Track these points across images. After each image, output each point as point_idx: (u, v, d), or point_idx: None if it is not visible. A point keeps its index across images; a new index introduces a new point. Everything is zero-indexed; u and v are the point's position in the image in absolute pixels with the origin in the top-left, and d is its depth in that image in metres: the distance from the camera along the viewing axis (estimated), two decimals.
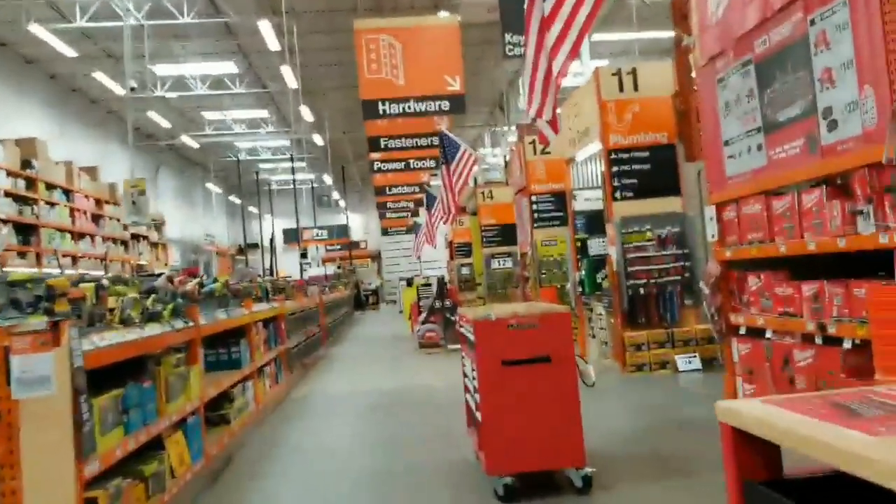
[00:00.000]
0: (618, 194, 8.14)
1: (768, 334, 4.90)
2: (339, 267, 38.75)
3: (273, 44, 16.49)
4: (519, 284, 14.81)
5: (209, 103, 24.95)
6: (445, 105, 12.00)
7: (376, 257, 46.34)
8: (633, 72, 8.07)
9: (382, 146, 14.88)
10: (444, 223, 14.46)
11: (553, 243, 12.08)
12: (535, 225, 12.14)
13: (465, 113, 12.35)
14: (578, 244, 9.87)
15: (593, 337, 9.36)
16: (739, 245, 5.19)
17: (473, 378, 4.90)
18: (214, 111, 26.17)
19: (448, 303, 11.87)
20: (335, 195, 42.35)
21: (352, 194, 43.28)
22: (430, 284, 16.18)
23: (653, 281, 8.02)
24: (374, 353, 13.33)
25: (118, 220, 20.40)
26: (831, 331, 4.18)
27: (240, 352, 6.82)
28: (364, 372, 11.15)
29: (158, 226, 26.51)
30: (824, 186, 4.23)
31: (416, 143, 15.02)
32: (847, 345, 4.05)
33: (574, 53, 5.75)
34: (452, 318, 11.96)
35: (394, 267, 41.91)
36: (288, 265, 38.86)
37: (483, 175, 31.21)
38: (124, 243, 21.93)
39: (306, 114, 24.27)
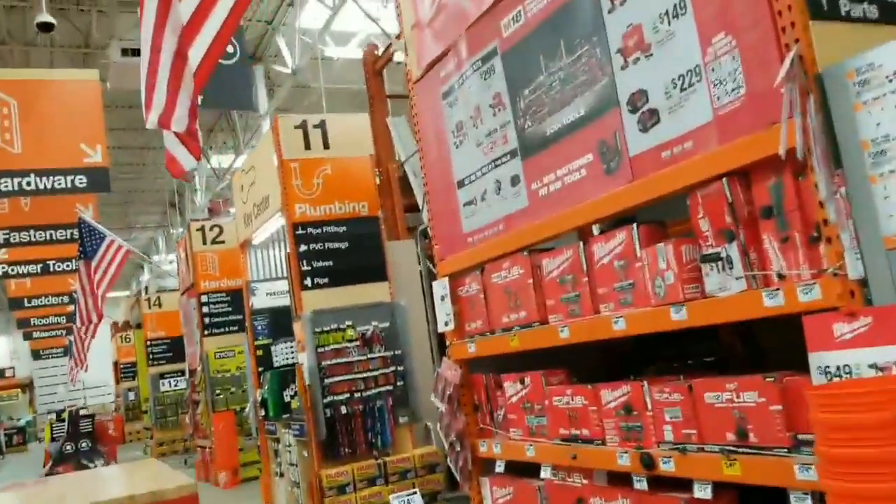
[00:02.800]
0: (308, 281, 6.15)
1: (545, 472, 3.11)
2: None
3: None
4: (188, 409, 11.95)
5: None
6: (82, 181, 9.20)
7: (28, 386, 38.79)
8: (322, 125, 6.33)
9: (2, 240, 11.36)
10: (86, 336, 11.21)
11: (230, 355, 9.67)
12: (206, 332, 9.64)
13: (109, 191, 9.63)
14: (260, 353, 7.63)
15: (281, 476, 7.04)
16: (489, 334, 3.42)
17: None
18: None
19: (85, 445, 8.70)
20: None
21: None
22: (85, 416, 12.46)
23: (357, 394, 6.04)
24: None
25: None
26: (666, 467, 2.46)
27: None
28: None
29: None
30: (634, 226, 2.60)
31: (53, 235, 11.73)
32: (702, 492, 2.35)
33: (220, 47, 3.79)
34: (92, 465, 8.79)
35: (50, 396, 35.20)
36: None
37: (154, 284, 27.48)
38: None
39: None
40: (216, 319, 9.75)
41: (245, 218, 7.42)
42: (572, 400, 2.92)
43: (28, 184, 8.94)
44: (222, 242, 9.76)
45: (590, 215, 2.75)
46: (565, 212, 2.85)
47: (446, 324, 3.72)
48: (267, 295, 7.69)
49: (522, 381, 3.24)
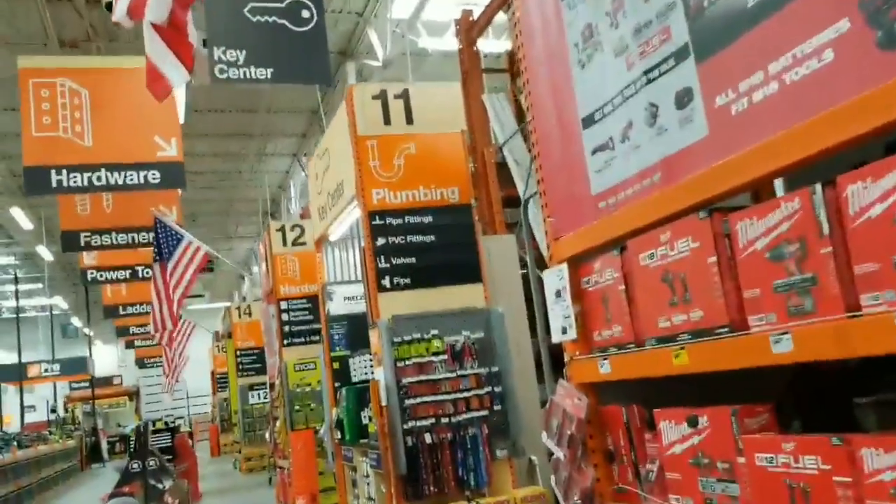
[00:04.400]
0: (385, 281, 5.09)
1: None
2: (66, 410, 32.04)
3: None
4: (268, 427, 11.15)
5: None
6: (155, 176, 8.55)
7: (134, 395, 39.83)
8: (405, 95, 5.29)
9: (83, 243, 10.92)
10: (161, 343, 10.52)
11: (311, 367, 8.77)
12: (286, 342, 8.78)
13: (185, 188, 8.95)
14: (336, 366, 6.66)
15: None
16: (634, 346, 2.23)
17: None
18: None
19: (153, 463, 7.95)
20: (78, 322, 35.95)
21: (105, 322, 37.16)
22: (161, 430, 11.88)
23: (445, 419, 4.92)
24: None
25: None
26: None
27: None
28: None
29: None
30: None
31: (135, 238, 11.21)
32: None
33: None
34: (160, 485, 8.02)
35: (155, 405, 35.96)
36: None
37: (253, 293, 27.37)
38: None
39: (21, 218, 19.45)
40: (296, 328, 8.86)
41: (320, 211, 6.44)
42: (796, 461, 1.68)
43: (98, 179, 8.36)
44: (304, 244, 8.88)
45: (843, 129, 1.52)
46: (789, 131, 1.64)
47: (564, 331, 2.54)
48: (345, 300, 6.69)
49: (693, 422, 2.03)
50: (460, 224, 5.32)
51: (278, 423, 9.16)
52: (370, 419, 5.47)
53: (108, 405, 38.82)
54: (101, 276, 13.54)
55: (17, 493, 11.85)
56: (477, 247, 5.34)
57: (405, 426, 4.88)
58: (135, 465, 7.97)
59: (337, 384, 6.47)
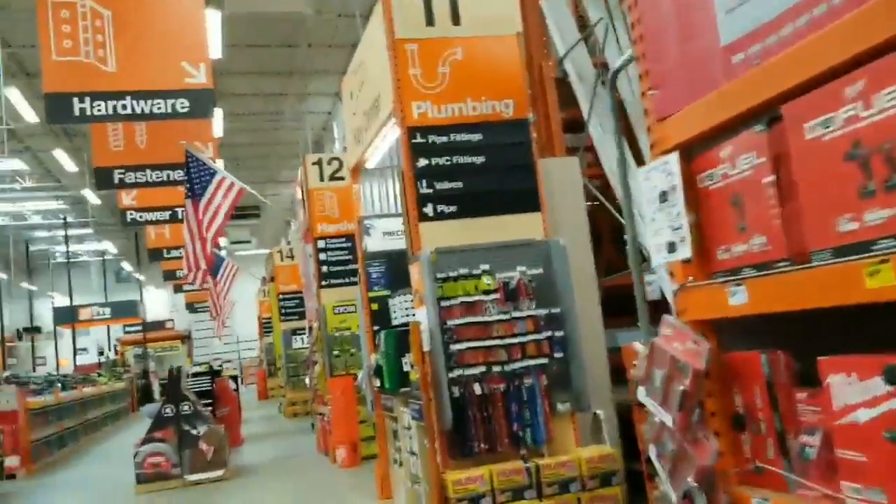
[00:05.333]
0: (428, 209, 4.38)
1: None
2: (115, 352, 32.50)
3: None
4: (307, 372, 10.68)
5: None
6: (184, 104, 7.93)
7: (186, 338, 40.37)
8: None
9: (116, 180, 10.45)
10: (197, 284, 9.98)
11: (350, 310, 8.18)
12: (324, 283, 8.20)
13: (213, 116, 8.31)
14: (375, 307, 6.04)
15: (400, 465, 5.44)
16: (790, 264, 1.49)
17: None
18: None
19: (187, 407, 7.49)
20: (129, 266, 36.28)
21: (155, 266, 37.46)
22: (202, 374, 11.52)
23: (497, 368, 4.26)
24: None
25: None
26: None
27: None
28: None
29: None
30: None
31: (170, 176, 10.68)
32: None
33: None
34: (194, 431, 7.59)
35: (206, 349, 36.41)
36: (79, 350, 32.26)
37: (296, 238, 27.03)
38: None
39: (65, 160, 19.22)
40: (335, 269, 8.26)
41: (355, 134, 5.74)
42: None
43: (124, 107, 7.77)
44: (342, 179, 8.22)
45: None
46: None
47: (672, 248, 1.82)
48: (384, 235, 6.03)
49: (894, 377, 1.30)
50: (515, 143, 4.56)
51: (317, 369, 8.66)
52: (412, 366, 4.85)
53: (162, 349, 39.42)
54: (141, 216, 13.14)
55: (59, 435, 11.72)
56: (534, 169, 4.59)
57: (450, 375, 4.23)
58: (167, 410, 7.55)
59: (376, 327, 5.86)
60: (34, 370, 28.25)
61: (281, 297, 14.61)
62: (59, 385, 13.05)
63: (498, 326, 4.34)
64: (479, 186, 4.50)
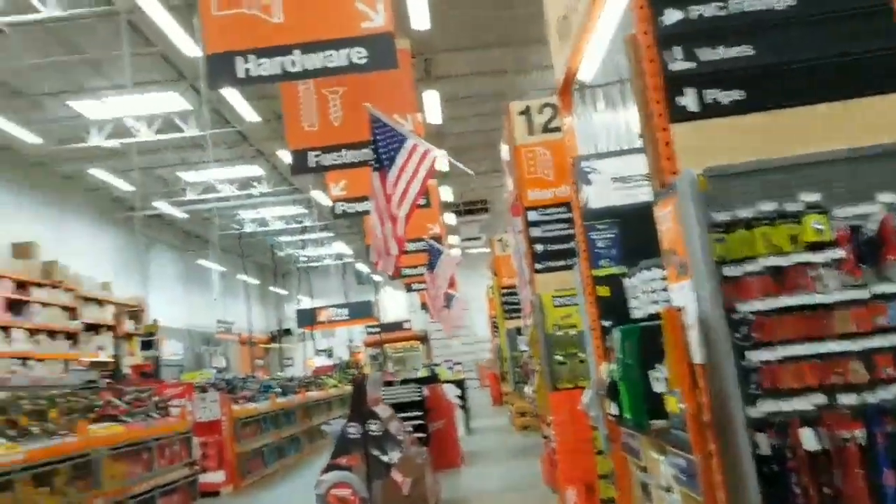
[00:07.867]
0: (687, 96, 2.31)
1: None
2: (350, 353, 33.00)
3: None
4: (527, 380, 8.81)
5: (187, 157, 20.18)
6: (361, 54, 6.53)
7: (424, 339, 40.60)
8: None
9: (312, 163, 9.40)
10: (382, 270, 8.42)
11: (576, 301, 6.22)
12: (538, 267, 6.30)
13: (397, 67, 6.77)
14: (604, 291, 4.02)
15: None
16: None
17: None
18: (191, 170, 21.39)
19: (376, 428, 5.96)
20: (365, 268, 37.02)
21: None
22: (411, 381, 10.19)
23: (847, 400, 2.10)
24: None
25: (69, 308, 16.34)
26: None
27: None
28: None
29: (135, 313, 21.82)
30: None
31: (368, 156, 9.47)
32: None
33: None
34: (385, 457, 6.07)
35: (445, 350, 36.14)
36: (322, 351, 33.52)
37: None
38: (71, 336, 17.23)
39: (289, 159, 19.16)
40: (553, 247, 6.34)
41: (558, 25, 3.77)
42: None
43: (293, 64, 6.55)
44: (557, 130, 6.28)
45: None
46: None
47: None
48: (613, 182, 4.02)
49: None
50: None
51: (536, 378, 6.79)
52: (668, 387, 2.80)
53: (403, 349, 39.99)
54: (351, 208, 12.19)
55: (277, 446, 11.02)
56: None
57: (751, 410, 2.16)
58: (351, 430, 6.09)
59: (606, 323, 3.89)
60: (281, 371, 29.45)
61: (503, 291, 12.98)
62: (279, 390, 12.43)
63: (844, 314, 2.18)
64: (787, 53, 2.37)
